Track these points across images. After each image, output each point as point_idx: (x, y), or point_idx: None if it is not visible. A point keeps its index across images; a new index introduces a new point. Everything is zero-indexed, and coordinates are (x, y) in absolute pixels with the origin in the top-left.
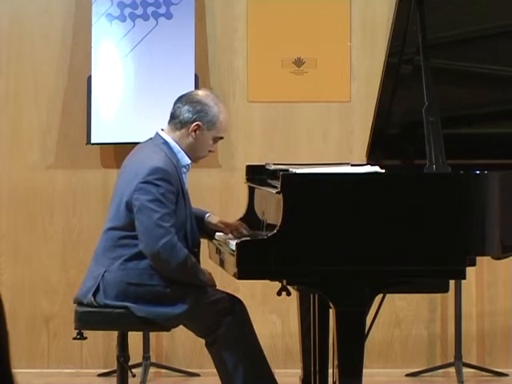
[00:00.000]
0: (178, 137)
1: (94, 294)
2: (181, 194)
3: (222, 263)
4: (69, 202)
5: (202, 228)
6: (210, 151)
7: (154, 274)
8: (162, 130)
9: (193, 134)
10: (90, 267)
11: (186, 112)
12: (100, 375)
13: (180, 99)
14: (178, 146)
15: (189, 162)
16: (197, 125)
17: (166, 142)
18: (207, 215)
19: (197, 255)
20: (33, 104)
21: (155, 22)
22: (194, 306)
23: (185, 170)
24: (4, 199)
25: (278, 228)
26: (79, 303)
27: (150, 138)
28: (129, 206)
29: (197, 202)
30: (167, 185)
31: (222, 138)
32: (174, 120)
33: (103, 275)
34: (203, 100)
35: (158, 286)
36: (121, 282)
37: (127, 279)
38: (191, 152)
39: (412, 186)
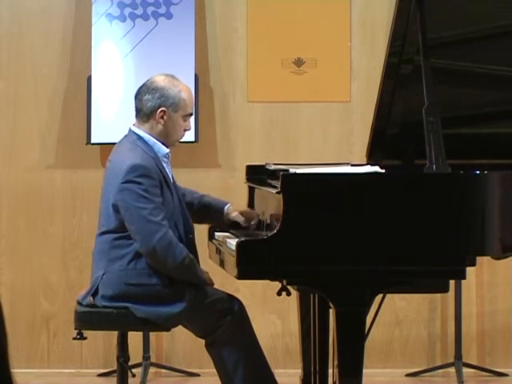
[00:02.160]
0: (148, 128)
1: (93, 296)
2: (165, 185)
3: (222, 263)
4: (69, 202)
5: (221, 220)
6: (185, 130)
7: (153, 274)
8: (134, 124)
9: (161, 120)
10: (91, 269)
11: (147, 102)
12: (100, 375)
13: (139, 91)
14: (152, 138)
15: (167, 151)
16: (162, 111)
17: (139, 137)
18: (226, 207)
19: (192, 241)
20: (33, 104)
21: (155, 22)
22: (193, 306)
23: (165, 159)
24: (4, 199)
25: (278, 228)
26: (80, 303)
27: (125, 136)
28: (116, 208)
29: None
30: (148, 180)
31: (191, 114)
32: (140, 113)
33: (102, 277)
34: (160, 85)
35: (157, 285)
36: (120, 283)
37: (126, 280)
38: (166, 138)
39: (412, 186)
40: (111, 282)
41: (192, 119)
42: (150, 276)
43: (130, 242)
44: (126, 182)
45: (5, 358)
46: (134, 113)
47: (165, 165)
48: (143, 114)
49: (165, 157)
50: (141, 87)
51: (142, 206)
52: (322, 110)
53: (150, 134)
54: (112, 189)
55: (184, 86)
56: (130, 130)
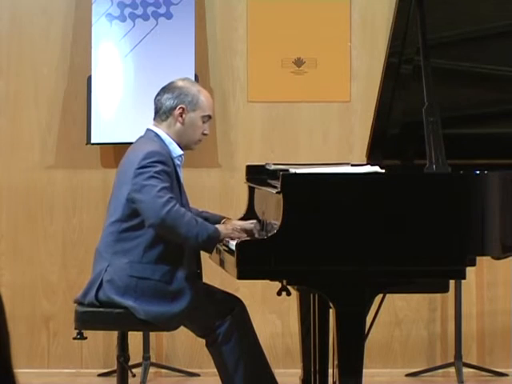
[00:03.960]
0: (166, 127)
1: (97, 290)
2: (176, 183)
3: (222, 263)
4: (69, 202)
5: None
6: (204, 134)
7: (156, 269)
8: (152, 125)
9: (179, 118)
10: (93, 266)
11: (166, 100)
12: (100, 375)
13: (159, 92)
14: (168, 138)
15: (181, 152)
16: (180, 108)
17: (157, 135)
18: (221, 222)
19: (198, 256)
20: (33, 104)
21: (155, 22)
22: (193, 306)
23: (178, 162)
24: (4, 199)
25: (277, 228)
26: (80, 303)
27: (141, 136)
28: (129, 196)
29: (197, 202)
30: (162, 166)
31: (210, 116)
32: (159, 112)
33: (106, 270)
34: (180, 84)
35: (159, 281)
36: (123, 275)
37: (130, 272)
38: (183, 138)
39: (412, 186)
40: (115, 274)
41: None
42: (154, 271)
43: (136, 234)
44: (141, 167)
45: (8, 360)
46: (135, 113)
47: (178, 168)
48: (162, 112)
49: (177, 159)
50: (161, 89)
51: (152, 184)
52: (322, 110)
53: (167, 134)
54: (126, 176)
55: (203, 89)
56: (148, 129)
